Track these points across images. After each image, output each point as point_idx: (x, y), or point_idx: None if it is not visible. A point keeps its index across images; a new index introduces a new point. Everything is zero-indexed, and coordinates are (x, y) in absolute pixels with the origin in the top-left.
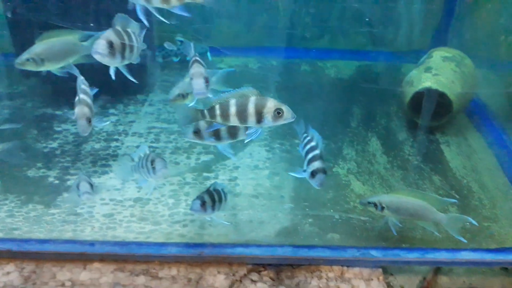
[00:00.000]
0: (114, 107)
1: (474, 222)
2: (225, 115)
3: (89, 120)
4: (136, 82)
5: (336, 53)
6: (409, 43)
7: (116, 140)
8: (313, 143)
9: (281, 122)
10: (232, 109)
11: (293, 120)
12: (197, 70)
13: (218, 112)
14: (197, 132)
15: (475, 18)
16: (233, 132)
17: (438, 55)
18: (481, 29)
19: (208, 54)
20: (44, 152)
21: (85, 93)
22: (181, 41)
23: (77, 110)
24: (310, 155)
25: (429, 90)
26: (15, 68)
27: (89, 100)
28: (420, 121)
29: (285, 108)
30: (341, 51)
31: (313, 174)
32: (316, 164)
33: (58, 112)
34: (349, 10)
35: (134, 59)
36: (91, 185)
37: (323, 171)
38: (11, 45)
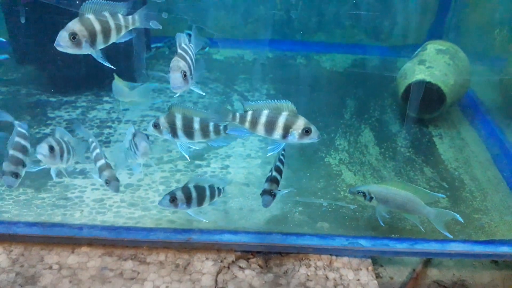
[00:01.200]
0: (108, 95)
1: (460, 218)
2: (254, 122)
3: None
4: (113, 68)
5: (332, 46)
6: (404, 37)
7: (109, 127)
8: (278, 163)
9: (306, 141)
10: (262, 119)
11: (318, 140)
12: (175, 64)
13: (248, 118)
14: (156, 126)
15: (470, 12)
16: (189, 132)
17: (432, 47)
18: (477, 23)
19: (207, 48)
20: (36, 138)
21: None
22: (189, 34)
23: (107, 173)
24: (268, 174)
25: (422, 82)
26: (10, 55)
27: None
28: (413, 113)
29: (313, 128)
30: (337, 45)
31: (261, 193)
32: (265, 186)
33: (52, 99)
34: (346, 4)
35: (118, 39)
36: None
37: (269, 193)
38: (6, 33)
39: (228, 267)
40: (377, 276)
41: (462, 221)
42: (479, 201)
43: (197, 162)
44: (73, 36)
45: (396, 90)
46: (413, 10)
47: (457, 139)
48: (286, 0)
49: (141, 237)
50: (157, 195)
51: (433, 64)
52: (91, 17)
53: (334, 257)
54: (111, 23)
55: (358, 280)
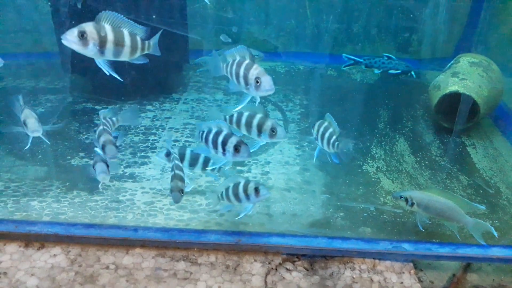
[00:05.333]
0: (151, 104)
1: (495, 233)
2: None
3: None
4: (121, 80)
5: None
6: (433, 50)
7: (154, 134)
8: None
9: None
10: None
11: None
12: (261, 69)
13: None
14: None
15: (500, 27)
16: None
17: (465, 60)
18: (506, 37)
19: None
20: (86, 143)
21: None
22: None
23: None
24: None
25: (458, 94)
26: (57, 65)
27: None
28: (446, 123)
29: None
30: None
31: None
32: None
33: (97, 107)
34: (376, 18)
35: (131, 59)
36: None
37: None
38: (55, 44)
39: (276, 269)
40: (418, 280)
41: (496, 236)
42: None
43: (238, 168)
44: (82, 34)
45: (429, 101)
46: (441, 24)
47: (490, 148)
48: (317, 14)
49: (193, 239)
50: (203, 199)
51: (466, 76)
52: (107, 26)
53: (377, 261)
54: (127, 40)
55: (402, 283)
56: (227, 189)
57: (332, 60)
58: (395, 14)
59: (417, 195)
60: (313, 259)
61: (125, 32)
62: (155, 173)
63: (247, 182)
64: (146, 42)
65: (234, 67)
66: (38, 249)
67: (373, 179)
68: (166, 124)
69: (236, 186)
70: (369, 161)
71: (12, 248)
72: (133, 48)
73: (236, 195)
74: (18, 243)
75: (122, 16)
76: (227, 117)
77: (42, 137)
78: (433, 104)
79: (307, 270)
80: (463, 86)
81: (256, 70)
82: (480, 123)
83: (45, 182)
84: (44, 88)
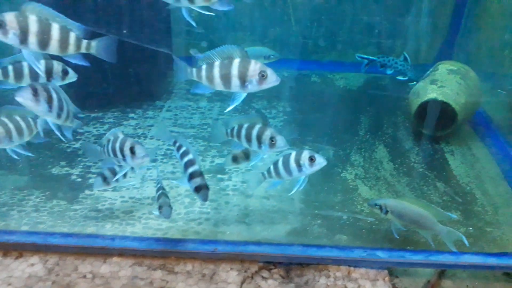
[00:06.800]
0: (134, 112)
1: (466, 242)
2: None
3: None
4: (43, 76)
5: (346, 65)
6: (415, 57)
7: None
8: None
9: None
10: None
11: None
12: (261, 64)
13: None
14: None
15: (480, 34)
16: None
17: (443, 68)
18: (486, 45)
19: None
20: (67, 152)
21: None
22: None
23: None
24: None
25: (434, 101)
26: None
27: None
28: (428, 131)
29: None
30: (350, 64)
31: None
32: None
33: (80, 115)
34: (359, 24)
35: (66, 55)
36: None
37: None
38: None
39: (252, 277)
40: (393, 286)
41: (468, 245)
42: (491, 215)
43: (219, 176)
44: (0, 24)
45: (409, 108)
46: (423, 31)
47: (468, 155)
48: (301, 21)
49: (170, 248)
50: (182, 208)
51: (444, 84)
52: (32, 17)
53: (352, 268)
54: (55, 33)
55: None
56: (275, 164)
57: (316, 66)
58: (377, 21)
59: (391, 203)
60: (289, 266)
61: (54, 25)
62: (135, 182)
63: (299, 152)
64: (85, 41)
65: (217, 69)
66: (16, 258)
67: (351, 186)
68: (148, 132)
69: (286, 158)
70: (348, 168)
71: None
72: (64, 43)
73: (287, 167)
74: None
75: (52, 9)
76: (229, 131)
77: (17, 150)
78: (413, 111)
79: (283, 277)
80: (441, 93)
81: (257, 65)
82: (459, 130)
83: (25, 191)
84: None
